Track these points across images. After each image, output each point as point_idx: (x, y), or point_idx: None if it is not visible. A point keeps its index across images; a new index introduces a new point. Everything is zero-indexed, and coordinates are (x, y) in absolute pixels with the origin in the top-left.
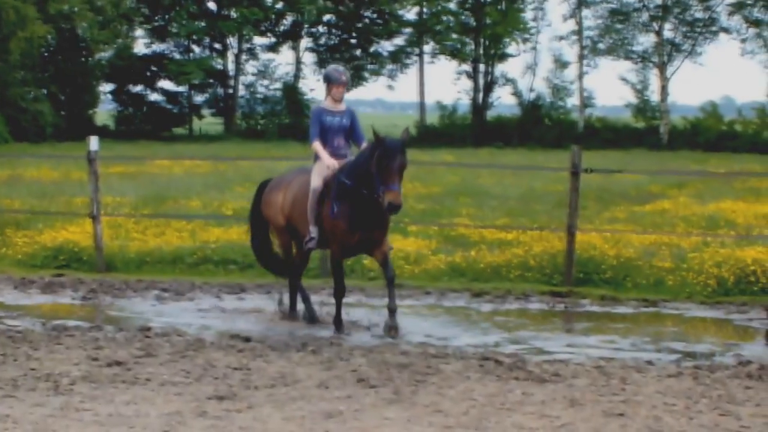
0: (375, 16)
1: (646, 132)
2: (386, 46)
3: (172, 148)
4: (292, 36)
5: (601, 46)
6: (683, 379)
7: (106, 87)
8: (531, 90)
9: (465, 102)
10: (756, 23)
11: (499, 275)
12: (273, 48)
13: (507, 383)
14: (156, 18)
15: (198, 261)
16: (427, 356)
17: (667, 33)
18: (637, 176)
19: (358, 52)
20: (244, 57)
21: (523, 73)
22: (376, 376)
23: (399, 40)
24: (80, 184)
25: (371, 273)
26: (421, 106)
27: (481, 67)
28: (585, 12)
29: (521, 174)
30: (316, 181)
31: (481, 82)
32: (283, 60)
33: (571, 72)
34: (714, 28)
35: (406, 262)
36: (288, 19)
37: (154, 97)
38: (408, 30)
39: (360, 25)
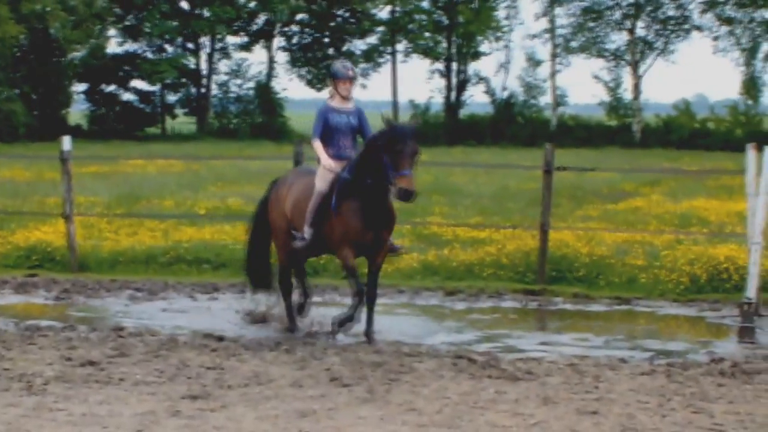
0: (348, 15)
1: (619, 130)
2: (359, 45)
3: (145, 147)
4: (264, 35)
5: (573, 44)
6: (656, 377)
7: (79, 87)
8: (504, 88)
9: (438, 100)
10: (728, 21)
11: (473, 274)
12: (246, 47)
13: (480, 381)
14: (128, 17)
15: (171, 260)
16: (400, 355)
17: (640, 31)
18: (610, 174)
19: (330, 51)
20: (216, 56)
21: (496, 71)
22: (350, 374)
23: (372, 39)
24: (53, 184)
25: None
26: (394, 104)
27: (454, 65)
28: (557, 10)
29: (494, 172)
30: (321, 184)
31: (454, 80)
32: (256, 59)
33: (544, 70)
34: (686, 26)
35: None
36: (261, 19)
37: (127, 96)
38: (381, 29)
39: (333, 24)
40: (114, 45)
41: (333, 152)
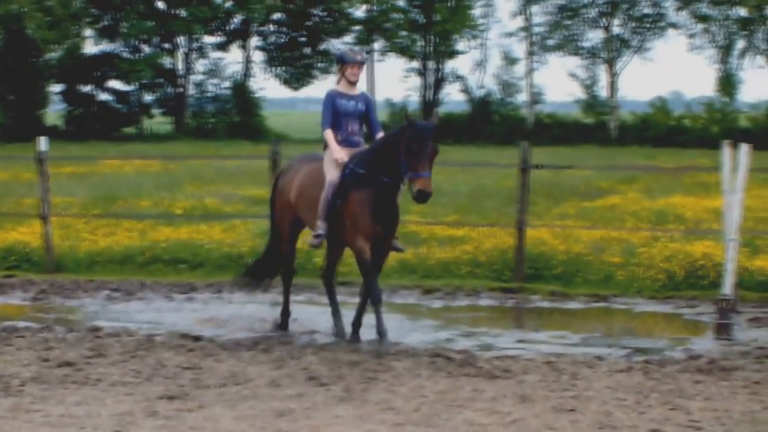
0: (324, 14)
1: (596, 127)
2: (336, 44)
3: (122, 147)
4: (241, 35)
5: (549, 42)
6: (633, 374)
7: (55, 87)
8: (480, 87)
9: (415, 99)
10: (704, 19)
11: (449, 272)
12: (222, 47)
13: (458, 380)
14: (105, 18)
15: (148, 260)
16: (378, 354)
17: (616, 29)
18: (587, 172)
19: (307, 50)
20: (193, 56)
21: (473, 69)
22: (327, 374)
23: (348, 38)
24: (30, 184)
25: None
26: None
27: (431, 64)
28: (533, 8)
29: (471, 170)
30: (331, 173)
31: (431, 79)
32: (233, 59)
33: (520, 68)
34: (662, 24)
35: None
36: (237, 18)
37: (103, 97)
38: (357, 28)
39: (309, 23)
40: (90, 45)
41: (341, 138)
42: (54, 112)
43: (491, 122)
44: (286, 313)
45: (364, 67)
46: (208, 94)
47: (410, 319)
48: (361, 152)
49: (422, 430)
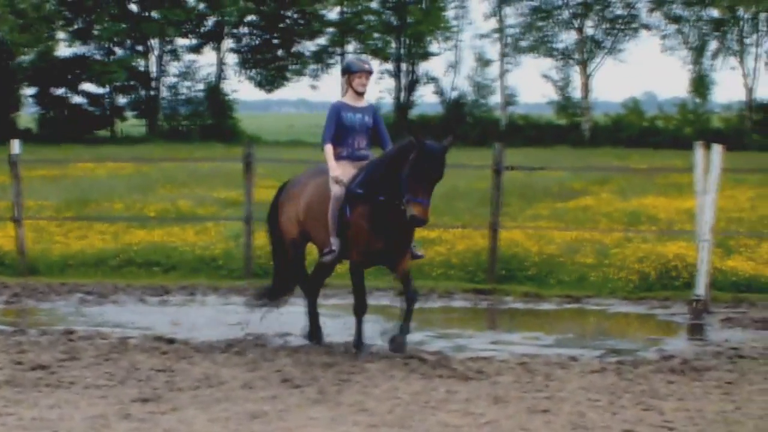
0: (297, 16)
1: (569, 129)
2: (309, 46)
3: (95, 150)
4: (214, 37)
5: (523, 43)
6: (607, 375)
7: (28, 90)
8: (454, 88)
9: (388, 101)
10: (676, 19)
11: (423, 273)
12: (195, 49)
13: (431, 381)
14: (78, 20)
15: (121, 263)
16: (351, 355)
17: (589, 30)
18: (560, 173)
19: (280, 52)
20: (166, 58)
21: (446, 71)
22: (301, 376)
23: (321, 40)
24: (2, 188)
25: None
26: None
27: (404, 65)
28: (507, 10)
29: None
30: (337, 188)
31: (404, 80)
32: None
33: (493, 70)
34: (635, 25)
35: None
36: (210, 21)
37: (76, 99)
38: (330, 30)
39: (282, 25)
40: (63, 48)
41: (346, 153)
42: (27, 115)
43: (464, 124)
44: (315, 325)
45: (371, 76)
46: (182, 97)
47: (384, 320)
48: (363, 168)
49: (396, 431)
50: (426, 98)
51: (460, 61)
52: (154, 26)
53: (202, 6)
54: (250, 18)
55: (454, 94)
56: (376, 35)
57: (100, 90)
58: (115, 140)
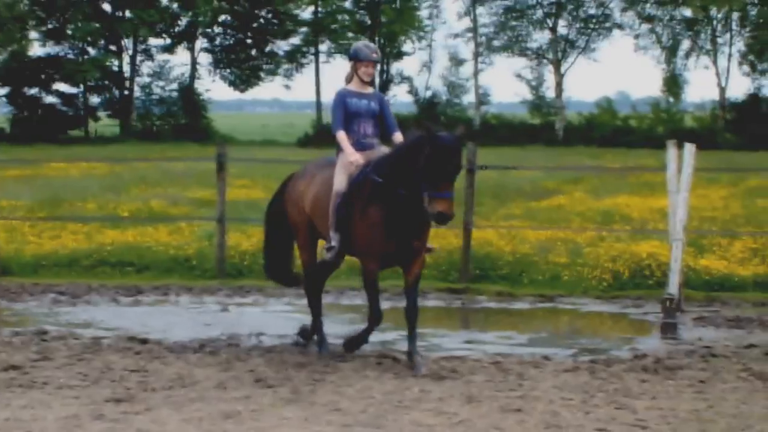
0: (270, 16)
1: (542, 128)
2: (282, 46)
3: (68, 150)
4: (187, 37)
5: (496, 43)
6: (580, 374)
7: (1, 90)
8: (427, 88)
9: None
10: (649, 19)
11: (396, 273)
12: (168, 49)
13: (405, 380)
14: (51, 20)
15: (94, 263)
16: (325, 355)
17: (562, 29)
18: (533, 172)
19: (253, 52)
20: (139, 58)
21: (419, 70)
22: (274, 375)
23: (295, 40)
24: None
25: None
26: (318, 105)
27: (377, 65)
28: (480, 9)
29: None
30: (339, 182)
31: (377, 80)
32: (179, 61)
33: (466, 69)
34: (608, 24)
35: None
36: (184, 20)
37: (49, 99)
38: (304, 29)
39: (255, 25)
40: (36, 48)
41: (353, 140)
42: (0, 115)
43: (438, 123)
44: (318, 330)
45: (378, 64)
46: (155, 97)
47: (358, 320)
48: (380, 158)
49: (369, 431)
50: (399, 97)
51: (433, 60)
52: (128, 26)
53: (175, 6)
54: (223, 18)
55: (428, 94)
56: (349, 35)
57: (73, 90)
58: (89, 140)
